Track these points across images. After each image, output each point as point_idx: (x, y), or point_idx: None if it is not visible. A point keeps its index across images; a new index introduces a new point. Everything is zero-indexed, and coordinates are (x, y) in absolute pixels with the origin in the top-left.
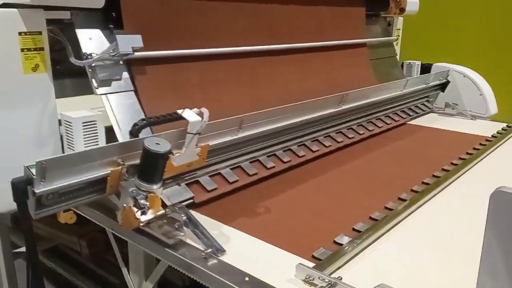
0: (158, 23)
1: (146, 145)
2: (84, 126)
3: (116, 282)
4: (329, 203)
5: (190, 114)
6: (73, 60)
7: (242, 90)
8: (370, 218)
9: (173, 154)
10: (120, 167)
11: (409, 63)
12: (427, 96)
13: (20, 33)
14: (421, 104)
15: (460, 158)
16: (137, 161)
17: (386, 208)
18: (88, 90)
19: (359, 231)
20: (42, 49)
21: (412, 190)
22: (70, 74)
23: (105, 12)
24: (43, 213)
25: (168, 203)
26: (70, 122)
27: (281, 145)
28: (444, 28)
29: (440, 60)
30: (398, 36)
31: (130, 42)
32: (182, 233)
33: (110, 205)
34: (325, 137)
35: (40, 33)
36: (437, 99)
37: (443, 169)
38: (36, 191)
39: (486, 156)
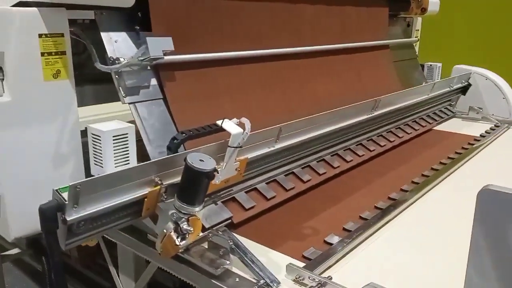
0: (187, 25)
1: (189, 162)
2: (115, 140)
3: (106, 285)
4: (323, 204)
5: (231, 126)
6: (99, 65)
7: (270, 96)
8: (360, 217)
9: (217, 172)
10: (158, 187)
11: (430, 65)
12: (449, 100)
13: (40, 35)
14: (444, 109)
15: (449, 158)
16: (176, 180)
17: (376, 207)
18: (106, 97)
19: (349, 231)
20: (64, 53)
21: (401, 190)
22: (87, 81)
23: (131, 13)
24: (74, 242)
25: (206, 224)
26: (99, 136)
27: (315, 155)
28: (462, 29)
29: (458, 62)
30: (417, 37)
31: (160, 45)
32: (228, 262)
33: (139, 226)
34: (357, 145)
35: (62, 35)
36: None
37: (432, 169)
38: (68, 218)
39: (474, 156)
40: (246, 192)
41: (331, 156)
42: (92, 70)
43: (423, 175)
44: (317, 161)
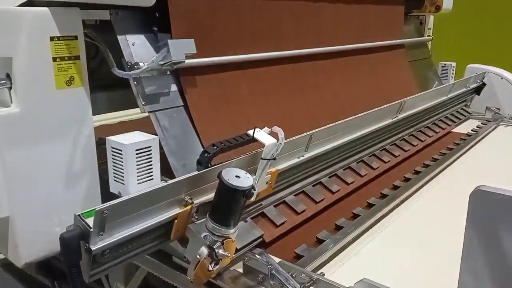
0: (207, 26)
1: (225, 179)
2: (138, 154)
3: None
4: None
5: (264, 136)
6: (116, 71)
7: (291, 100)
8: (353, 214)
9: (255, 189)
10: (189, 206)
11: (445, 64)
12: (465, 100)
13: (52, 38)
14: (461, 109)
15: (441, 153)
16: (207, 197)
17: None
18: (122, 104)
19: (341, 227)
20: (78, 57)
21: (394, 186)
22: (100, 87)
23: (148, 13)
24: (99, 273)
25: (237, 244)
26: (120, 150)
27: (341, 163)
28: (475, 27)
29: (469, 61)
30: (429, 35)
31: (182, 48)
32: None
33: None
34: (380, 151)
35: (75, 37)
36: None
37: (424, 164)
38: (93, 248)
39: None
40: (275, 206)
41: (357, 163)
42: (103, 76)
43: (415, 171)
44: (344, 169)
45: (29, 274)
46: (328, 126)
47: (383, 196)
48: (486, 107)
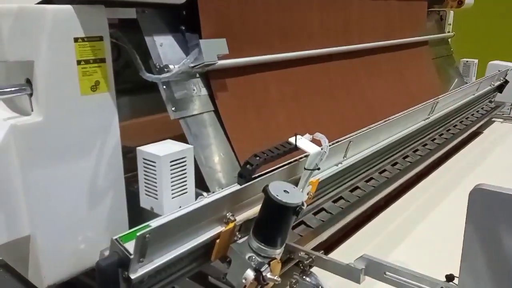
0: (238, 25)
1: (273, 194)
2: (172, 165)
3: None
4: None
5: (307, 144)
6: (145, 75)
7: (320, 102)
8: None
9: (304, 205)
10: (232, 224)
11: (467, 61)
12: (489, 98)
13: (76, 40)
14: (486, 106)
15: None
16: (249, 214)
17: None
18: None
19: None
20: (103, 60)
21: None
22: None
23: (175, 11)
24: None
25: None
26: (153, 162)
27: (376, 167)
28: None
29: (491, 58)
30: (450, 31)
31: (215, 49)
32: None
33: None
34: (414, 152)
35: (101, 38)
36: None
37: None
38: (133, 276)
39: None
40: (314, 214)
41: (392, 166)
42: (129, 79)
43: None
44: (379, 173)
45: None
46: (364, 130)
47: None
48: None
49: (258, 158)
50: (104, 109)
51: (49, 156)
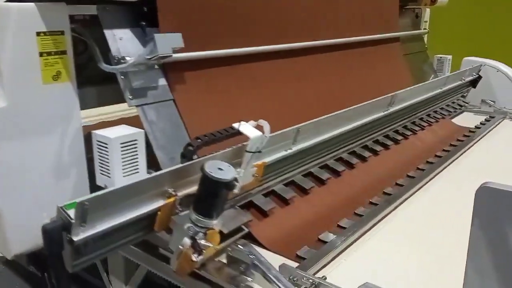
0: (197, 20)
1: (207, 171)
2: (123, 147)
3: (98, 284)
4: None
5: (249, 129)
6: (103, 66)
7: (285, 95)
8: (355, 214)
9: (237, 182)
10: (172, 198)
11: (440, 57)
12: (461, 93)
13: (38, 34)
14: (457, 100)
15: (444, 150)
16: (191, 190)
17: (371, 203)
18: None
19: (343, 228)
20: (64, 52)
21: (397, 184)
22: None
23: (136, 8)
24: (81, 264)
25: (224, 230)
26: (106, 143)
27: (331, 154)
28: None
29: (467, 54)
30: (425, 29)
31: (169, 42)
32: (251, 279)
33: (149, 238)
34: (373, 142)
35: (62, 33)
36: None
37: (427, 162)
38: (75, 238)
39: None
40: (264, 196)
41: (349, 154)
42: (94, 71)
43: (418, 168)
44: (335, 160)
45: (32, 272)
46: (316, 119)
47: (386, 194)
48: (482, 100)
49: (199, 140)
50: (66, 96)
51: (14, 138)
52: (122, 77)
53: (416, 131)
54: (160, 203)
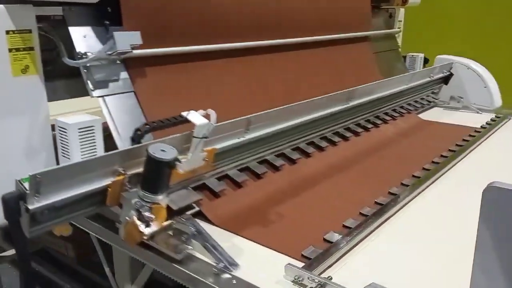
0: (159, 19)
1: (150, 152)
2: (80, 132)
3: (104, 284)
4: (320, 199)
5: (196, 117)
6: (66, 60)
7: (249, 90)
8: (360, 213)
9: (179, 162)
10: (121, 177)
11: (412, 56)
12: (432, 89)
13: (7, 32)
14: (426, 97)
15: (450, 150)
16: (140, 170)
17: (377, 203)
18: (81, 91)
19: (349, 228)
20: (32, 48)
21: (402, 184)
22: (60, 75)
23: (100, 8)
24: (38, 230)
25: (174, 207)
26: (65, 129)
27: (288, 144)
28: (444, 19)
29: (438, 52)
30: (399, 28)
31: (128, 40)
32: (191, 247)
33: (110, 215)
34: (333, 133)
35: (29, 31)
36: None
37: (433, 162)
38: (30, 207)
39: (475, 148)
40: (217, 179)
41: (307, 144)
42: (64, 66)
43: (424, 168)
44: (292, 149)
45: (38, 272)
46: (268, 111)
47: (392, 194)
48: (451, 96)
49: (147, 126)
50: (34, 87)
51: None
52: (85, 70)
53: (379, 124)
54: (110, 180)
